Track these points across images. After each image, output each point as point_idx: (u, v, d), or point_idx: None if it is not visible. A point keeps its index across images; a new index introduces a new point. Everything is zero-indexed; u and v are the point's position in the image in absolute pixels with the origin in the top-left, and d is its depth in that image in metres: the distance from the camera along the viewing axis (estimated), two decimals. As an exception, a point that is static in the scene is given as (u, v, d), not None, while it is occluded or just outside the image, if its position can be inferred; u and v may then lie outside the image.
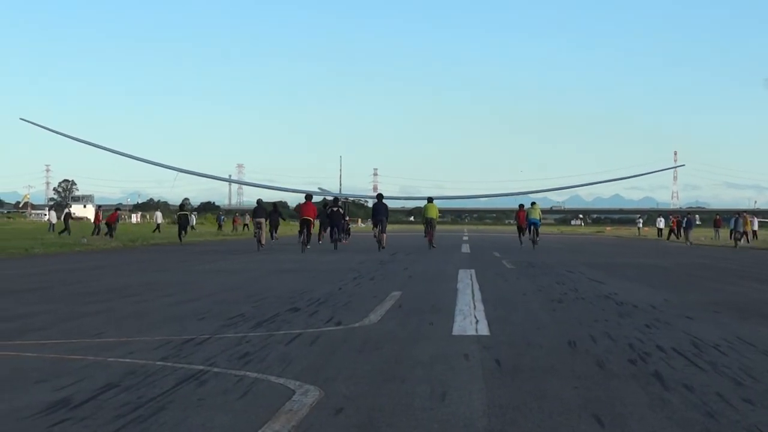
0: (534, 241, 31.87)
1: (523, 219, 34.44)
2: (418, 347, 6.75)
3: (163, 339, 7.09)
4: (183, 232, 36.28)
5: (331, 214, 30.52)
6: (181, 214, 37.99)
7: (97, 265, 18.81)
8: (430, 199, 32.22)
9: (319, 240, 32.86)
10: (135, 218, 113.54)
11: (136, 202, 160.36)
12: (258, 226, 29.40)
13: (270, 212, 32.82)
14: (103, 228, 41.86)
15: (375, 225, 29.05)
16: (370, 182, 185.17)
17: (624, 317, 9.06)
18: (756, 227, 49.69)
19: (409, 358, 6.26)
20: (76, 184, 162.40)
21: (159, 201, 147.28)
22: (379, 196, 29.93)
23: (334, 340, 7.12)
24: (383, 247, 27.55)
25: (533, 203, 34.52)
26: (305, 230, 27.85)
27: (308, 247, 27.79)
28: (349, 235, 37.10)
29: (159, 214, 57.56)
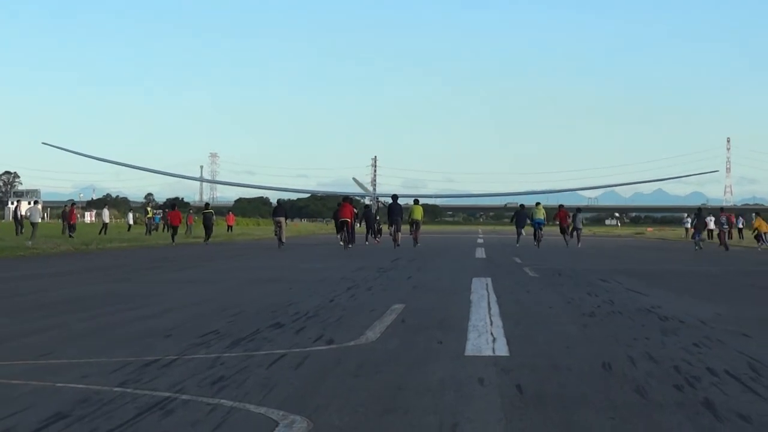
0: (539, 240, 38.56)
1: (564, 218, 41.13)
2: (425, 370, 6.75)
3: (122, 360, 7.08)
4: (208, 231, 41.19)
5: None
6: (206, 213, 42.56)
7: (47, 273, 18.78)
8: (416, 201, 39.06)
9: (366, 241, 40.10)
10: (89, 217, 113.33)
11: (90, 198, 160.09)
12: (278, 225, 36.05)
13: (365, 214, 40.75)
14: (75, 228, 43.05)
15: (391, 224, 36.10)
16: (368, 174, 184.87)
17: (668, 335, 9.05)
18: None
19: (414, 383, 6.25)
20: (19, 177, 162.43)
21: (117, 197, 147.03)
22: (395, 197, 37.66)
23: (324, 362, 7.11)
24: (398, 245, 34.19)
25: (537, 203, 41.68)
26: (345, 230, 34.37)
27: (350, 246, 34.14)
28: (380, 234, 43.36)
29: (106, 211, 57.57)
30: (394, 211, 36.47)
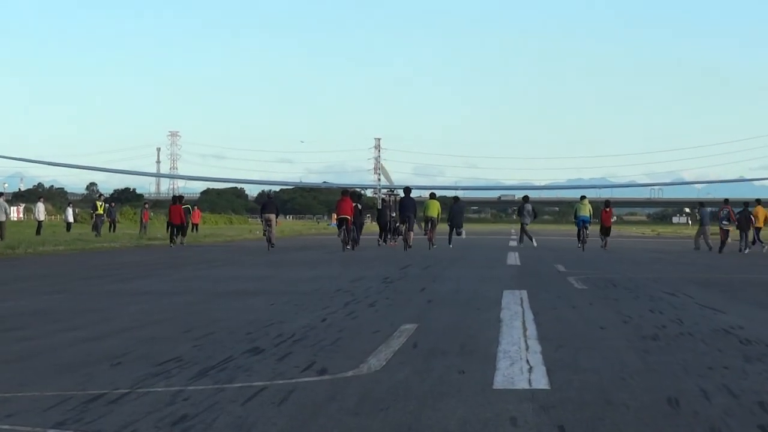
0: (584, 242, 40.33)
1: (608, 218, 43.98)
2: (442, 407, 6.77)
3: (59, 394, 7.10)
4: (179, 231, 42.44)
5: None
6: (184, 207, 43.31)
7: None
8: (432, 195, 41.75)
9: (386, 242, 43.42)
10: (15, 213, 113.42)
11: (17, 189, 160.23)
12: (268, 223, 38.18)
13: (379, 211, 43.89)
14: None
15: (402, 222, 39.30)
16: (369, 159, 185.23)
17: (752, 362, 9.05)
18: None
19: (429, 424, 6.27)
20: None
21: (52, 187, 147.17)
22: (407, 190, 40.65)
23: (315, 397, 7.13)
24: (410, 246, 37.26)
25: (582, 197, 43.09)
26: (344, 229, 37.19)
27: (349, 247, 36.86)
28: (399, 235, 44.60)
29: (41, 206, 57.57)
30: (405, 206, 38.97)
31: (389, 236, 44.24)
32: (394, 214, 44.33)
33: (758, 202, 42.40)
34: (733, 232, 43.09)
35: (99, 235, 50.17)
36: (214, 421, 6.29)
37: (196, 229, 63.16)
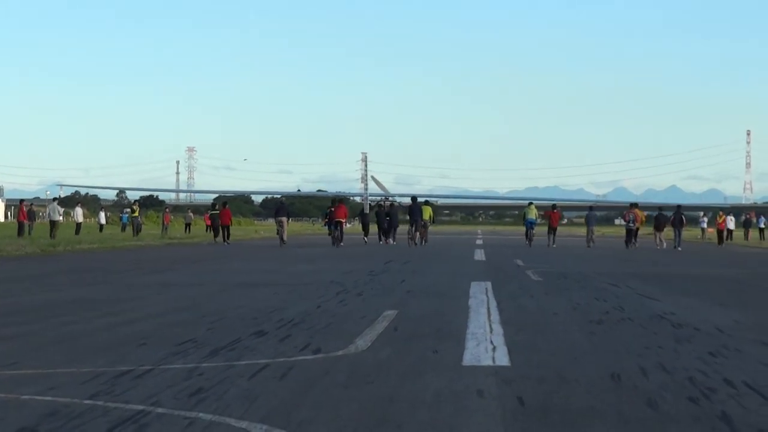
0: (531, 239, 43.03)
1: (556, 219, 44.61)
2: (419, 381, 6.76)
3: (93, 371, 7.08)
4: (226, 231, 43.56)
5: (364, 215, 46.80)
6: (215, 213, 44.92)
7: (10, 277, 18.75)
8: (426, 202, 45.34)
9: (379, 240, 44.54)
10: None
11: (57, 196, 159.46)
12: (280, 224, 40.37)
13: (377, 214, 45.61)
14: (36, 228, 43.38)
15: (411, 224, 41.63)
16: (357, 170, 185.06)
17: (683, 343, 9.07)
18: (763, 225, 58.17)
19: (408, 395, 6.26)
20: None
21: (87, 195, 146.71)
22: (414, 198, 44.07)
23: (311, 373, 7.12)
24: (416, 244, 40.12)
25: (530, 203, 45.92)
26: (337, 229, 40.16)
27: (342, 244, 38.77)
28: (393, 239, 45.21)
29: (79, 210, 57.43)
30: (413, 211, 41.84)
31: (382, 237, 44.35)
32: (388, 218, 44.63)
33: (636, 206, 44.02)
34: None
35: (136, 235, 50.08)
36: (224, 393, 6.28)
37: (209, 230, 63.04)
